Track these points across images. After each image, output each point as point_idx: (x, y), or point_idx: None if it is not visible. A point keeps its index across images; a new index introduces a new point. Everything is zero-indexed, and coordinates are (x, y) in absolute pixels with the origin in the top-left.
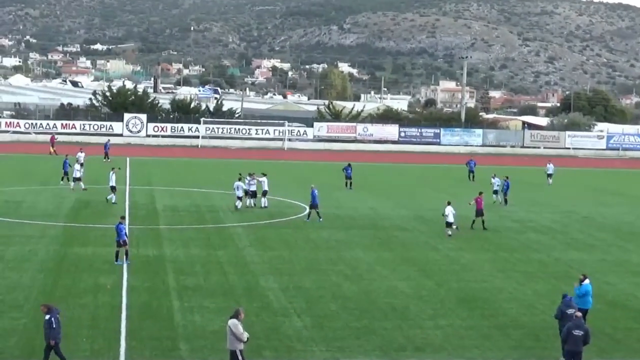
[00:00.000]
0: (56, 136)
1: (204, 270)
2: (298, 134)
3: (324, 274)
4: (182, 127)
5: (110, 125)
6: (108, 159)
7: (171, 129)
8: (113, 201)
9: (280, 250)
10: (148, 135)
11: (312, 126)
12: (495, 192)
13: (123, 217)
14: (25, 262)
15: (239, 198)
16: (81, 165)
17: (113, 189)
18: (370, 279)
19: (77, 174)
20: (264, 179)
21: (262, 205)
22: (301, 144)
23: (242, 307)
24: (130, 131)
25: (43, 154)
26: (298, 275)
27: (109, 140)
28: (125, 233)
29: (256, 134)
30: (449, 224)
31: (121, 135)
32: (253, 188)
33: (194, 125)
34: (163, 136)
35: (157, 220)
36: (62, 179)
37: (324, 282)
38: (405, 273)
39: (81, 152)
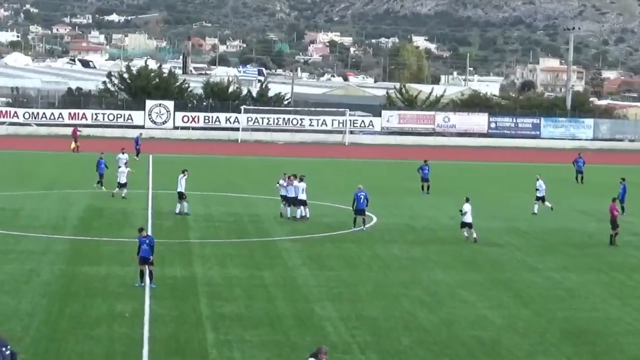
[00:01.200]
0: (79, 129)
1: (245, 294)
2: (362, 125)
3: (395, 300)
4: (217, 117)
5: (129, 114)
6: (137, 156)
7: (204, 119)
8: (185, 211)
9: (340, 270)
10: (176, 127)
11: (379, 115)
12: (540, 198)
13: (141, 229)
14: (24, 284)
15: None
16: (126, 167)
17: (181, 196)
18: (452, 306)
19: (123, 179)
20: (302, 185)
21: (299, 216)
22: (366, 137)
23: (325, 346)
24: (154, 122)
25: (46, 150)
26: (362, 301)
27: (140, 134)
28: (148, 248)
29: (310, 125)
30: (465, 225)
31: (142, 127)
32: (292, 194)
33: (233, 115)
34: (194, 128)
35: (187, 232)
36: (98, 183)
37: (394, 310)
38: (496, 299)
39: (123, 152)
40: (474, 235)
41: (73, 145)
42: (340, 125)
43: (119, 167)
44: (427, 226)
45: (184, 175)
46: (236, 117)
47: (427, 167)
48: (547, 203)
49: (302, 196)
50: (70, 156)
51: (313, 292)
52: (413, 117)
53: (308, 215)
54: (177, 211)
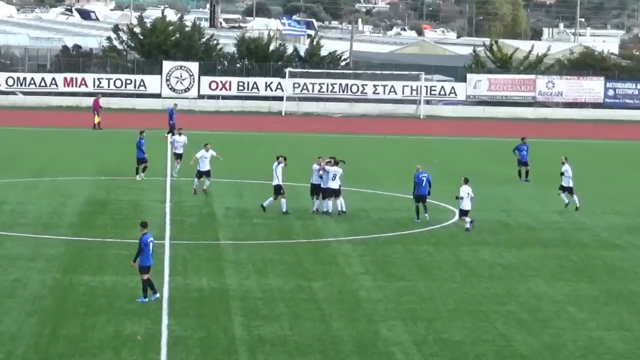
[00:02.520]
0: (101, 98)
1: (291, 312)
2: (442, 92)
3: (485, 318)
4: (255, 82)
5: (142, 80)
6: (173, 134)
7: (238, 85)
8: (283, 209)
9: (413, 281)
10: (201, 96)
11: (464, 80)
12: (565, 189)
13: (144, 225)
14: (7, 298)
15: None
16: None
17: (277, 190)
18: (558, 327)
19: (205, 166)
20: (335, 169)
21: (336, 210)
22: (447, 108)
23: None
24: (173, 89)
25: (35, 126)
26: (442, 320)
27: (175, 105)
28: (150, 250)
29: (374, 93)
30: (463, 213)
31: (159, 95)
32: (328, 184)
33: (275, 80)
34: (224, 97)
35: (216, 231)
36: (138, 171)
37: (483, 331)
38: (615, 317)
39: (180, 134)
40: (467, 225)
41: (97, 119)
42: (414, 92)
43: (178, 153)
44: (525, 223)
45: (280, 163)
46: (279, 83)
47: (526, 146)
48: (563, 196)
49: (334, 184)
50: (67, 134)
51: (378, 309)
52: (507, 82)
53: (344, 209)
54: (284, 209)
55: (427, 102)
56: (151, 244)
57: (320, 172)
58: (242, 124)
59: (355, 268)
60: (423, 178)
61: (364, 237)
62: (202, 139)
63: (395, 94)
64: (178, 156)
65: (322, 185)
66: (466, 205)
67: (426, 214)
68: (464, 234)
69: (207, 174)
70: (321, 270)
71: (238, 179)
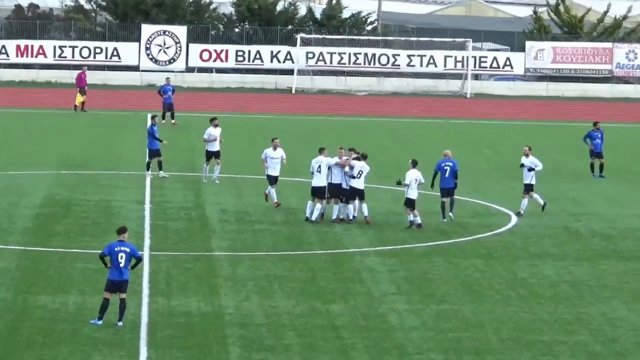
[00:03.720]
0: (86, 71)
1: (303, 341)
2: (494, 65)
3: (547, 350)
4: (257, 51)
5: (115, 48)
6: (170, 119)
7: (237, 55)
8: (316, 216)
9: (457, 303)
10: (189, 69)
11: (522, 50)
12: (529, 187)
13: (123, 230)
14: None
15: None
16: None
17: (318, 193)
18: None
19: (275, 171)
20: (361, 165)
21: (351, 216)
22: (500, 85)
23: None
24: (155, 60)
25: None
26: (494, 352)
27: (168, 79)
28: (125, 261)
29: (408, 65)
30: (409, 203)
31: (137, 68)
32: (351, 182)
33: (283, 49)
34: (219, 70)
35: (209, 239)
36: (149, 166)
37: None
38: None
39: (215, 126)
40: (418, 220)
41: (79, 99)
42: (458, 65)
43: (210, 151)
44: (600, 230)
45: (324, 157)
46: (288, 53)
47: (600, 133)
48: (534, 195)
49: (359, 184)
50: (20, 117)
51: (413, 338)
52: (577, 52)
53: (367, 213)
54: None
55: (476, 76)
56: (122, 255)
57: (335, 164)
58: (241, 104)
59: (383, 286)
60: (446, 167)
61: (396, 247)
62: (192, 121)
63: (435, 66)
64: (214, 155)
65: (342, 186)
66: (413, 194)
67: (451, 213)
68: (520, 245)
69: (274, 180)
70: (341, 289)
71: (237, 174)
